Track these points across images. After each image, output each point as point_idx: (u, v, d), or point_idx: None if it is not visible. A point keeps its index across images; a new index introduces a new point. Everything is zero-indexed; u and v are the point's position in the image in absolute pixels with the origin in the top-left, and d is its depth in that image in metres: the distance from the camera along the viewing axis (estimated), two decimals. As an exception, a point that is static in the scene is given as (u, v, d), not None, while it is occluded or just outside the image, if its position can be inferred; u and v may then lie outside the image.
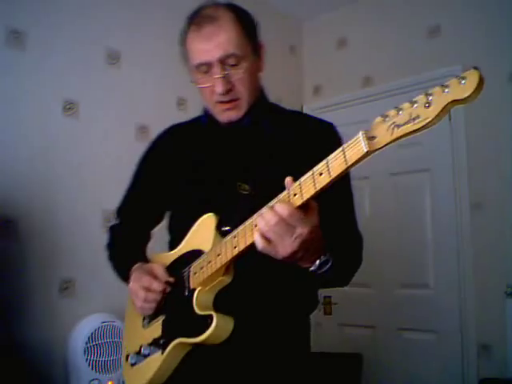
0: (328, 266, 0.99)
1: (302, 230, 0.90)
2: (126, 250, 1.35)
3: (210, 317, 1.02)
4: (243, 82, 1.16)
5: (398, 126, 0.76)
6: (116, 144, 2.46)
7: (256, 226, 0.93)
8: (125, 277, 1.25)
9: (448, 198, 2.95)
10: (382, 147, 0.79)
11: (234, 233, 0.99)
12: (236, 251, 0.98)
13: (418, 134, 0.76)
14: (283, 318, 1.17)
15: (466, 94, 0.70)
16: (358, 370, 2.61)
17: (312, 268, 0.99)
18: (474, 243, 2.81)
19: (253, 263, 1.02)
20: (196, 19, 1.17)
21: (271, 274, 1.09)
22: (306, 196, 0.87)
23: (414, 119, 0.74)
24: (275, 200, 0.91)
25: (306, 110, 3.60)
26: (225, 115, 1.19)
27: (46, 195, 2.18)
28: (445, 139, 2.95)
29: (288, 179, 0.90)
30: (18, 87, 2.14)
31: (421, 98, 0.74)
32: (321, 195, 0.90)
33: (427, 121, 0.73)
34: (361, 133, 0.79)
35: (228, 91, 1.14)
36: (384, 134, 0.77)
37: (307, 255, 0.96)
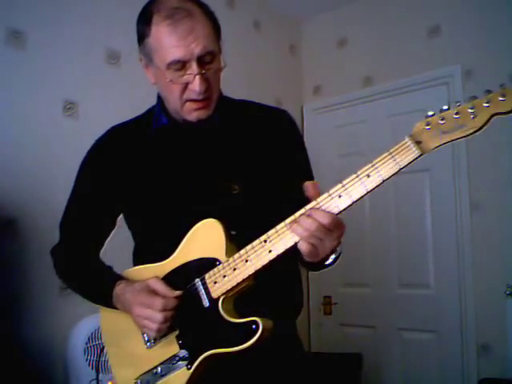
0: (338, 254, 1.07)
1: (339, 233, 0.97)
2: (93, 272, 1.24)
3: (255, 322, 0.99)
4: (215, 81, 1.13)
5: (445, 132, 0.89)
6: (116, 144, 2.46)
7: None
8: (106, 302, 1.17)
9: (448, 197, 2.95)
10: (431, 150, 0.90)
11: (263, 237, 1.00)
12: (273, 255, 0.99)
13: (462, 139, 0.89)
14: (284, 320, 1.16)
15: (508, 109, 0.85)
16: (358, 370, 2.61)
17: (327, 261, 1.06)
18: (473, 243, 2.81)
19: None
20: (165, 11, 1.07)
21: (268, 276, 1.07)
22: (356, 197, 0.94)
23: (460, 127, 0.87)
24: (314, 203, 0.95)
25: (306, 110, 3.60)
26: (194, 114, 1.13)
27: (45, 195, 2.18)
28: (445, 139, 2.95)
29: (309, 183, 0.96)
30: (17, 87, 2.14)
31: (463, 109, 0.87)
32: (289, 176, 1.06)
33: (474, 129, 0.87)
34: (407, 138, 0.90)
35: (205, 90, 1.09)
36: (431, 139, 0.89)
37: (332, 251, 1.02)
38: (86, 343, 2.02)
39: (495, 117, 0.86)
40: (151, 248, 1.20)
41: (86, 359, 2.01)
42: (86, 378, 2.00)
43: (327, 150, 3.43)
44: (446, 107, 0.89)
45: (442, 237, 2.97)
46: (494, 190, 2.75)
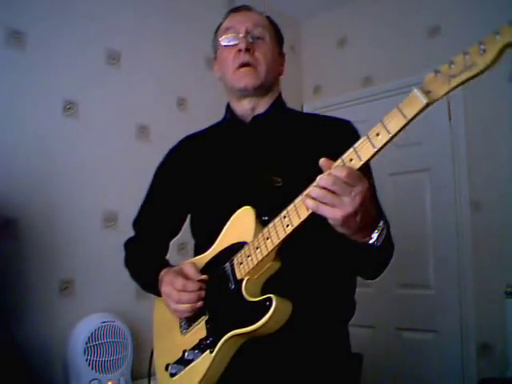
0: (384, 235, 0.98)
1: (361, 188, 0.88)
2: (150, 262, 1.32)
3: (269, 299, 0.97)
4: (263, 52, 1.27)
5: (454, 76, 0.81)
6: (116, 144, 2.45)
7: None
8: (155, 288, 1.21)
9: (448, 197, 2.95)
10: (441, 97, 0.82)
11: (283, 213, 0.97)
12: (289, 229, 0.96)
13: (474, 79, 0.80)
14: (326, 321, 1.17)
15: None
16: (358, 370, 2.61)
17: (371, 240, 0.97)
18: (473, 243, 2.81)
19: (296, 261, 1.05)
20: (234, 9, 1.35)
21: (315, 270, 1.09)
22: (366, 157, 0.87)
23: (469, 66, 0.79)
24: (327, 172, 0.89)
25: (305, 110, 3.60)
26: (243, 81, 1.25)
27: (45, 195, 2.18)
28: (445, 139, 2.95)
29: (324, 159, 0.90)
30: (17, 87, 2.14)
31: (473, 48, 0.80)
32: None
33: (485, 65, 0.77)
34: (415, 89, 0.83)
35: (249, 51, 1.24)
36: (440, 86, 0.82)
37: (366, 220, 0.92)
38: (86, 343, 2.02)
39: (508, 49, 0.76)
40: (203, 240, 1.25)
41: (86, 359, 2.01)
42: (86, 378, 2.00)
43: (327, 150, 3.43)
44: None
45: (441, 237, 2.96)
46: (494, 190, 2.75)
